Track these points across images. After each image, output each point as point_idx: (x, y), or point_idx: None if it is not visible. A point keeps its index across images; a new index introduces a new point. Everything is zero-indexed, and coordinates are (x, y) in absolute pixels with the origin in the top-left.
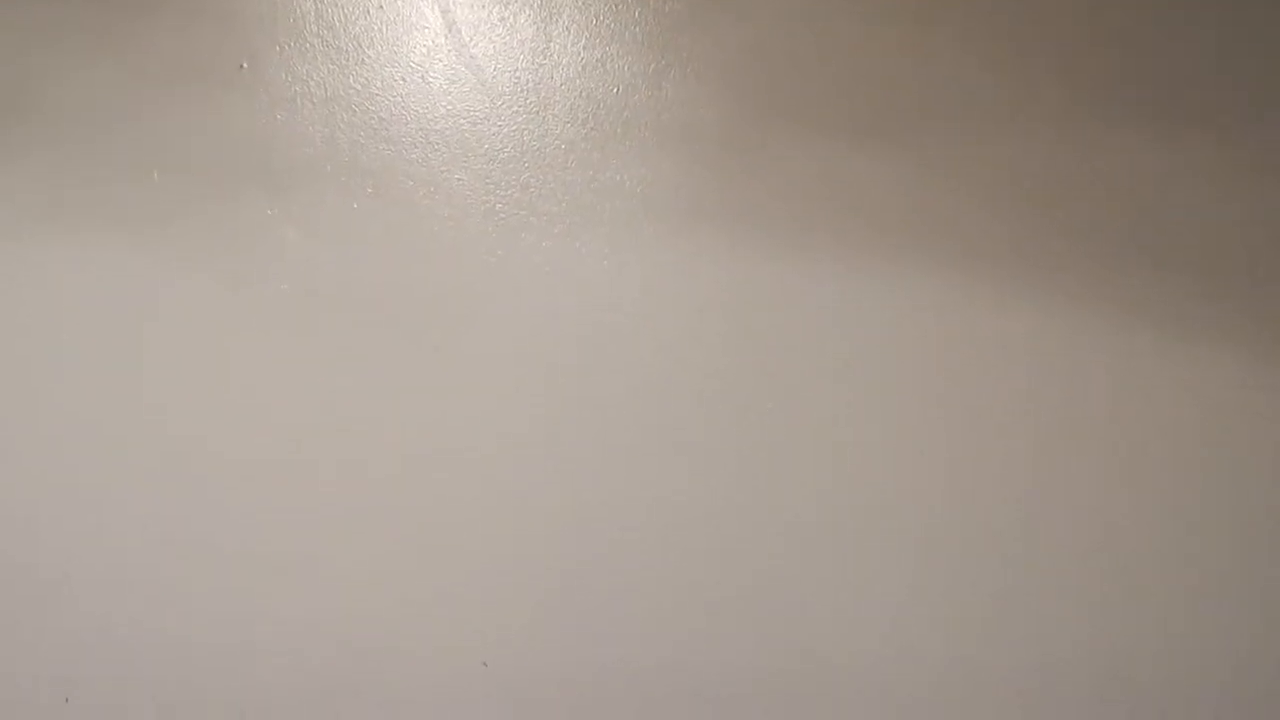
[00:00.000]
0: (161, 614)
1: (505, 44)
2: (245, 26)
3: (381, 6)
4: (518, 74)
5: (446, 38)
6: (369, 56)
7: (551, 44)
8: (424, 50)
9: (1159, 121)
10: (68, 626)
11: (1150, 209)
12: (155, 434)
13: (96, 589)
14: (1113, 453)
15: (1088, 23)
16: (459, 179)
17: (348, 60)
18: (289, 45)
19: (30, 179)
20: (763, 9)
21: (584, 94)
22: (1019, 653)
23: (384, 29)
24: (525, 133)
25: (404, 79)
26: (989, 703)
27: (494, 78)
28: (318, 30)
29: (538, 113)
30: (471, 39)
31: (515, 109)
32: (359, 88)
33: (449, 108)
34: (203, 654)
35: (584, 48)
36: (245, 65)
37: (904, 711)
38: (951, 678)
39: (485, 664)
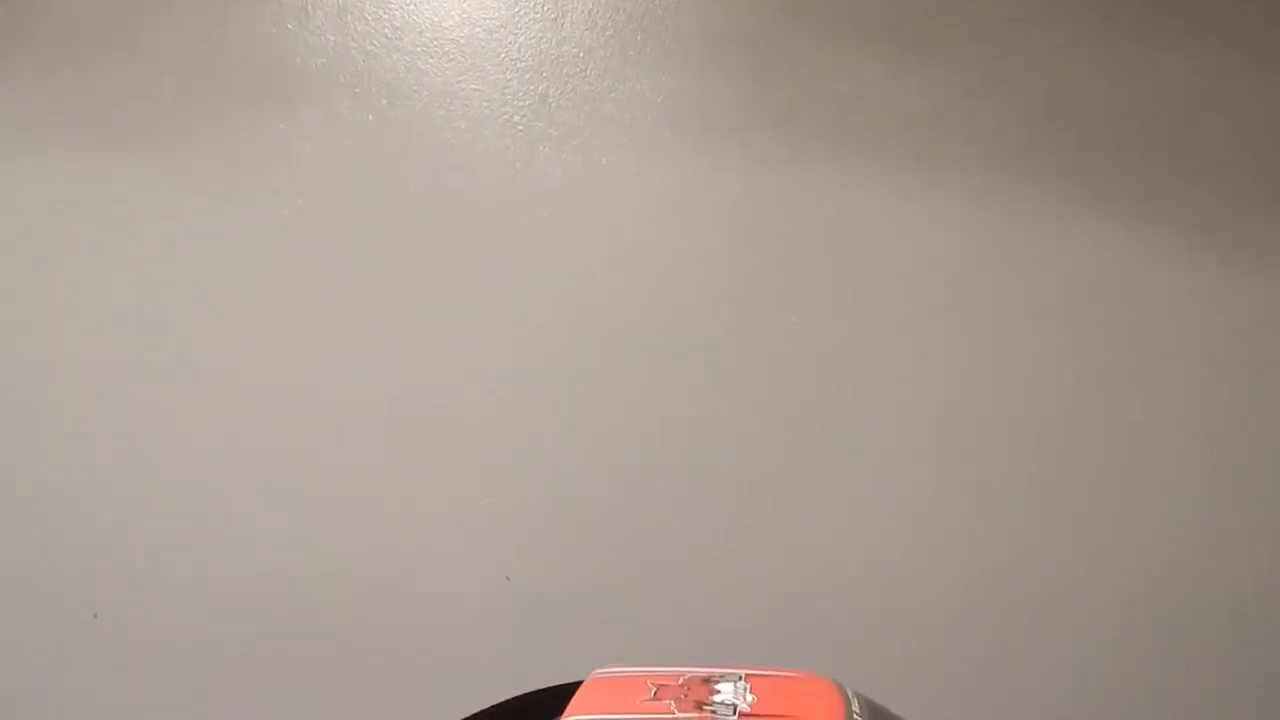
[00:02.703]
0: (186, 531)
1: None
2: None
3: None
4: None
5: None
6: None
7: None
8: None
9: (1192, 38)
10: (95, 545)
11: (1184, 126)
12: (168, 354)
13: (123, 508)
14: (1140, 367)
15: None
16: (475, 89)
17: None
18: None
19: (39, 93)
20: None
21: (603, 0)
22: (1040, 568)
23: None
24: (543, 41)
25: None
26: (1010, 617)
27: None
28: None
29: (555, 20)
30: None
31: (532, 16)
32: None
33: (463, 15)
34: (228, 571)
35: None
36: None
37: (921, 626)
38: (972, 593)
39: (509, 578)
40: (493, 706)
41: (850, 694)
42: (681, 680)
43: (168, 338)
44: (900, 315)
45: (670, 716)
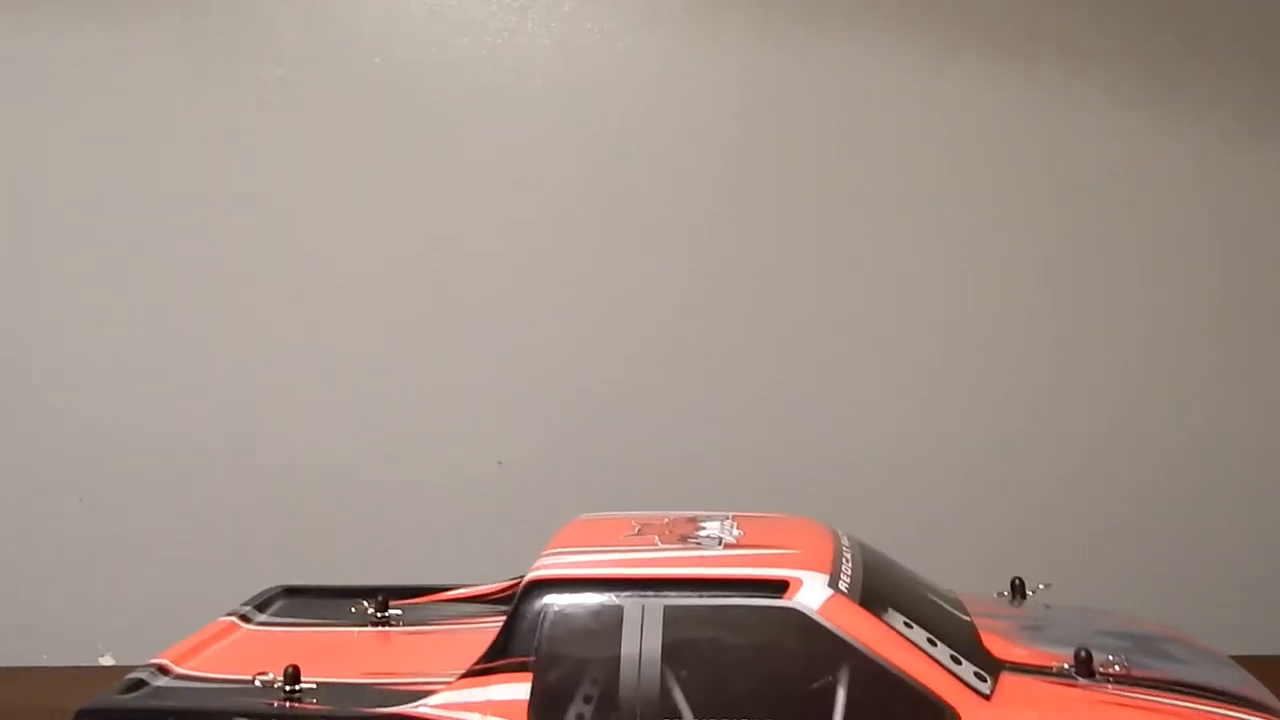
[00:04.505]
0: (178, 418)
1: None
2: None
3: None
4: None
5: None
6: None
7: None
8: None
9: None
10: (81, 433)
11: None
12: (153, 235)
13: (113, 391)
14: (1135, 235)
15: None
16: None
17: None
18: None
19: None
20: None
21: None
22: (1046, 438)
23: None
24: None
25: None
26: (1019, 487)
27: None
28: None
29: None
30: None
31: None
32: None
33: None
34: (220, 458)
35: None
36: None
37: (925, 500)
38: (983, 466)
39: (500, 462)
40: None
41: (840, 532)
42: (667, 520)
43: (153, 218)
44: (905, 192)
45: (653, 546)
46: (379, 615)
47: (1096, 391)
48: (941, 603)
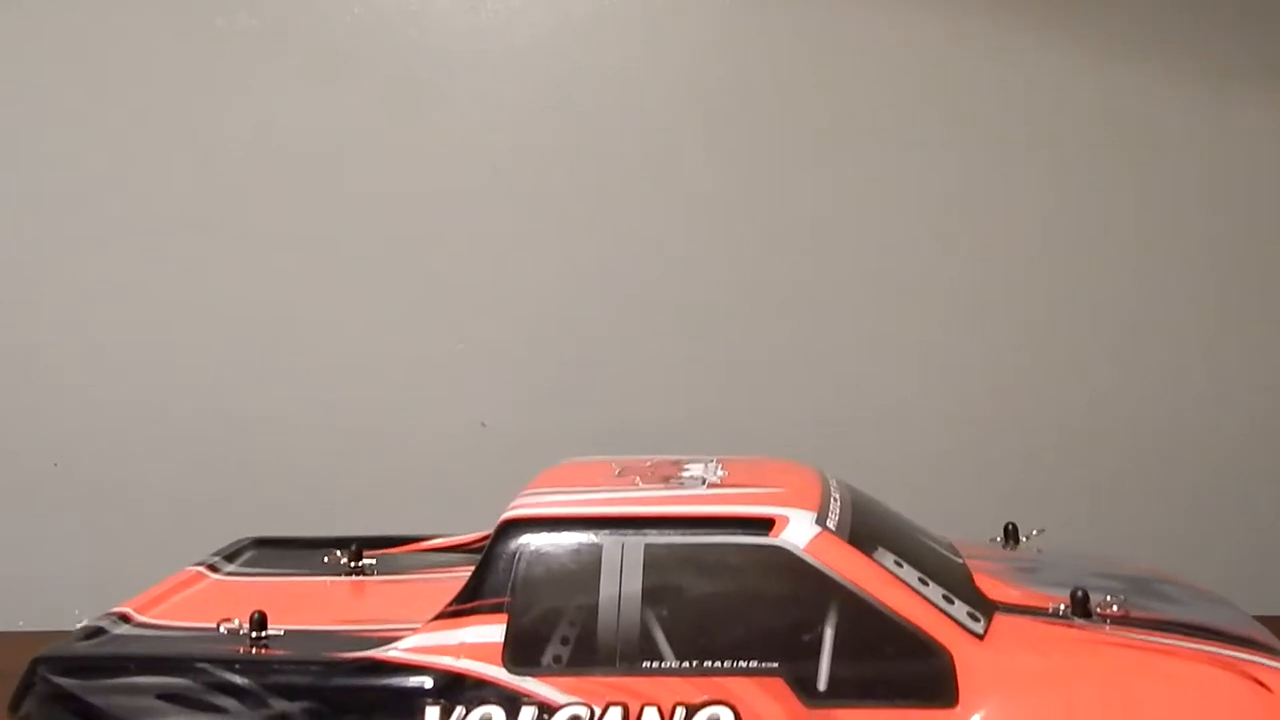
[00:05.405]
0: (148, 375)
1: None
2: None
3: None
4: None
5: None
6: None
7: None
8: None
9: None
10: (54, 398)
11: None
12: (124, 193)
13: (81, 360)
14: (1132, 190)
15: None
16: None
17: None
18: None
19: None
20: None
21: None
22: (1036, 397)
23: None
24: None
25: None
26: (1015, 448)
27: None
28: None
29: None
30: None
31: None
32: None
33: None
34: (193, 414)
35: None
36: None
37: (920, 455)
38: (978, 424)
39: (484, 424)
40: None
41: (827, 474)
42: (650, 463)
43: (123, 176)
44: (893, 147)
45: (634, 486)
46: (352, 565)
47: (1096, 348)
48: (933, 544)
